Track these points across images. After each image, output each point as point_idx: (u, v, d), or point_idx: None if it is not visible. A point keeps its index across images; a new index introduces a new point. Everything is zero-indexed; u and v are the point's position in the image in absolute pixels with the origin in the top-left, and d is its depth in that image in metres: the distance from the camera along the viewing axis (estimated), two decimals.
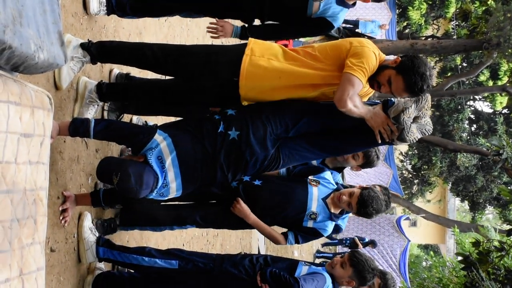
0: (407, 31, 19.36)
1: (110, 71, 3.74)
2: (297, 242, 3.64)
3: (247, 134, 3.02)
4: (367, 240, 13.60)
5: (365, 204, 3.50)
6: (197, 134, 3.00)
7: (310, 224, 3.59)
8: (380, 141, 3.11)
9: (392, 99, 3.15)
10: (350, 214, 3.80)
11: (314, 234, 3.63)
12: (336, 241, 14.24)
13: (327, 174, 3.75)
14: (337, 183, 3.78)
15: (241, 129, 3.02)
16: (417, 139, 3.07)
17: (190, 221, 3.57)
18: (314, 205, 3.56)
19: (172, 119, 3.83)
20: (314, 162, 3.94)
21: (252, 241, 8.33)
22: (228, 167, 3.05)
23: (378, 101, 3.26)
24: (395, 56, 3.11)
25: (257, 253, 8.40)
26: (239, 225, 3.68)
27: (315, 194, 3.59)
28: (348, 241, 13.32)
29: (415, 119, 3.05)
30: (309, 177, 3.68)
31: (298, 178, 3.71)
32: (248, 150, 3.03)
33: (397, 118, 3.02)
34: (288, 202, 3.56)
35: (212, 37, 3.60)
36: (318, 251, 14.82)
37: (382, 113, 3.08)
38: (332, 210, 3.62)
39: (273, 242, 3.69)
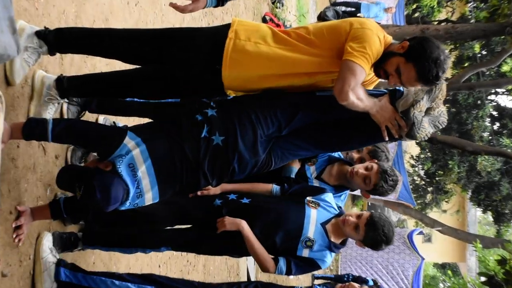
0: (417, 14, 19.49)
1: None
2: (289, 271, 3.53)
3: (234, 139, 3.03)
4: (371, 283, 13.34)
5: (376, 227, 3.49)
6: (175, 137, 3.00)
7: (305, 253, 3.52)
8: (387, 138, 3.13)
9: (401, 88, 3.17)
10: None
11: (310, 264, 3.56)
12: (332, 276, 14.16)
13: (329, 196, 3.73)
14: (340, 207, 3.78)
15: (227, 133, 3.03)
16: (429, 135, 3.09)
17: (165, 244, 3.58)
18: (311, 229, 3.52)
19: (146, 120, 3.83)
20: (313, 172, 3.96)
21: (239, 262, 8.32)
22: (213, 175, 3.07)
23: (384, 90, 3.27)
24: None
25: (245, 276, 8.39)
26: (220, 249, 3.68)
27: (313, 217, 3.56)
28: (350, 278, 13.13)
29: (427, 111, 3.07)
30: (307, 198, 3.65)
31: (294, 198, 3.69)
32: (236, 157, 3.04)
33: (406, 112, 3.04)
34: (280, 224, 3.52)
35: (178, 10, 3.18)
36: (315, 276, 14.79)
37: (390, 106, 3.10)
38: (332, 239, 3.58)
39: (260, 268, 3.62)
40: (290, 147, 3.20)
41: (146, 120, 3.91)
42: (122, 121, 4.19)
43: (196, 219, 3.62)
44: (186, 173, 3.01)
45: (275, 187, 3.74)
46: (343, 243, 3.68)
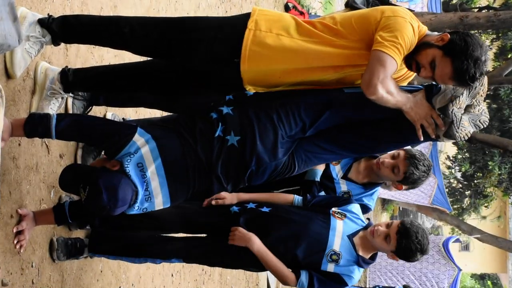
0: (454, 1, 19.35)
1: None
2: (311, 286, 3.50)
3: (252, 140, 3.01)
4: None
5: (408, 234, 3.44)
6: (188, 137, 2.99)
7: (330, 267, 3.48)
8: (422, 138, 3.09)
9: (438, 84, 3.13)
10: None
11: (336, 280, 3.52)
12: None
13: (355, 207, 3.70)
14: (368, 219, 3.76)
15: (244, 132, 3.02)
16: (469, 135, 3.04)
17: (176, 255, 3.58)
18: (337, 242, 3.49)
19: (157, 112, 3.83)
20: (339, 171, 3.93)
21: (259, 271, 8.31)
22: (227, 179, 3.06)
23: (420, 85, 3.23)
24: (440, 33, 3.08)
25: (266, 287, 8.37)
26: (235, 263, 3.66)
27: (339, 229, 3.53)
28: None
29: (467, 108, 3.02)
30: (333, 209, 3.63)
31: (318, 209, 3.67)
32: (254, 160, 3.03)
33: (444, 109, 3.00)
34: (303, 235, 3.49)
35: None
36: None
37: (426, 103, 3.05)
38: (360, 253, 3.55)
39: (280, 281, 3.62)
40: (315, 150, 3.17)
41: (156, 112, 3.92)
42: (131, 115, 4.19)
43: (209, 227, 3.61)
44: (198, 175, 3.00)
45: (296, 198, 3.72)
46: (373, 258, 3.64)
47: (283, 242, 3.50)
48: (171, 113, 3.62)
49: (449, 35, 3.00)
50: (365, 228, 3.61)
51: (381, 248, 3.57)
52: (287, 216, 3.56)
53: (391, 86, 2.95)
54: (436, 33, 3.10)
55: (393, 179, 3.87)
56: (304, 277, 3.47)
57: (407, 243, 3.45)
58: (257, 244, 3.45)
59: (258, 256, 3.47)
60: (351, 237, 3.53)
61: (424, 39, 3.04)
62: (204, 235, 3.67)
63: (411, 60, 3.04)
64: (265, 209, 3.58)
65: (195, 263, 3.78)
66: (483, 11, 18.24)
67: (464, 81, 2.95)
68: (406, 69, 3.15)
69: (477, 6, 19.29)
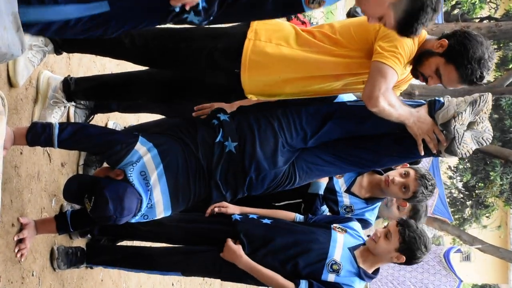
0: (456, 11, 19.35)
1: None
2: None
3: (251, 146, 3.02)
4: None
5: (411, 248, 3.42)
6: (190, 143, 3.01)
7: (331, 278, 3.45)
8: (423, 153, 3.09)
9: (441, 99, 3.13)
10: None
11: None
12: None
13: (356, 225, 3.72)
14: (368, 236, 3.72)
15: (241, 139, 3.02)
16: (471, 152, 3.04)
17: (175, 268, 3.58)
18: (337, 253, 3.47)
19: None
20: (343, 185, 3.93)
21: None
22: (226, 186, 3.06)
23: (423, 101, 3.24)
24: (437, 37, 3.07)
25: None
26: (233, 276, 3.63)
27: (340, 241, 3.52)
28: None
29: (470, 125, 3.02)
30: (334, 224, 3.63)
31: (319, 224, 3.67)
32: (254, 167, 3.03)
33: (446, 125, 3.00)
34: (304, 244, 3.48)
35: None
36: None
37: (428, 118, 3.06)
38: (361, 265, 3.52)
39: None
40: (316, 161, 3.18)
41: (157, 116, 3.91)
42: (131, 120, 4.19)
43: (209, 234, 3.58)
44: (199, 182, 3.01)
45: (298, 216, 3.72)
46: (376, 273, 3.60)
47: (283, 251, 3.48)
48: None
49: (447, 40, 2.99)
50: (365, 244, 3.59)
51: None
52: (287, 227, 3.57)
53: (392, 98, 2.95)
54: (434, 37, 3.10)
55: (401, 197, 3.87)
56: (304, 285, 3.44)
57: (413, 255, 3.44)
58: (243, 260, 3.42)
59: (247, 271, 3.45)
60: (352, 249, 3.52)
61: (424, 45, 3.04)
62: (203, 247, 3.64)
63: (416, 72, 3.05)
64: (266, 221, 3.58)
65: (193, 276, 3.76)
66: (485, 21, 18.28)
67: (473, 82, 2.96)
68: (406, 73, 3.15)
69: (479, 16, 19.29)
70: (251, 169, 3.03)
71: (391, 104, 2.94)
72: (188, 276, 3.73)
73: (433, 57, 2.99)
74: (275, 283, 3.47)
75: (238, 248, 3.43)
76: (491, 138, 3.11)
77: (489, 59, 2.92)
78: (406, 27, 2.54)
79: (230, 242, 3.45)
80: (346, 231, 3.59)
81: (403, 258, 3.46)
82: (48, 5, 2.39)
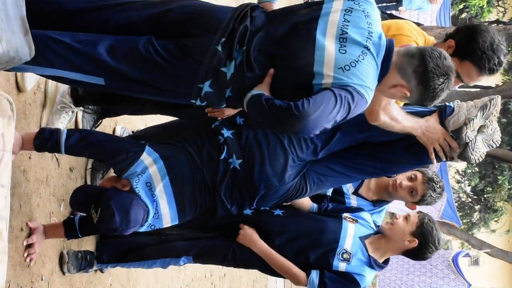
0: (464, 15, 19.32)
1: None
2: (322, 283, 3.47)
3: (261, 164, 3.01)
4: None
5: (426, 236, 3.46)
6: (196, 157, 3.01)
7: (342, 267, 3.47)
8: (435, 162, 3.08)
9: (451, 104, 3.11)
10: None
11: (347, 279, 3.49)
12: None
13: (366, 215, 3.75)
14: (378, 226, 3.76)
15: (252, 155, 3.02)
16: (483, 156, 3.02)
17: (186, 252, 3.55)
18: (348, 241, 3.49)
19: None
20: (350, 186, 3.93)
21: (268, 284, 8.28)
22: (232, 201, 3.07)
23: (433, 107, 3.21)
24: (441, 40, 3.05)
25: None
26: (247, 262, 3.63)
27: (351, 230, 3.54)
28: None
29: (480, 129, 3.01)
30: (345, 214, 3.65)
31: (330, 213, 3.70)
32: (264, 184, 3.03)
33: (458, 132, 2.98)
34: (315, 234, 3.51)
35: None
36: None
37: (438, 127, 3.04)
38: (372, 254, 3.54)
39: (291, 280, 3.62)
40: (327, 172, 3.18)
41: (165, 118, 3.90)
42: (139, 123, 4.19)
43: (221, 227, 3.58)
44: (204, 195, 3.02)
45: (313, 205, 3.72)
46: (386, 263, 3.62)
47: (295, 240, 3.50)
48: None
49: (453, 40, 2.98)
50: (376, 233, 3.62)
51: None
52: (299, 217, 3.59)
53: (394, 112, 2.93)
54: (439, 41, 3.08)
55: (409, 201, 3.85)
56: (314, 275, 3.46)
57: (425, 248, 3.48)
58: (259, 244, 3.46)
59: (262, 256, 3.48)
60: (362, 239, 3.54)
61: None
62: (215, 234, 3.62)
63: None
64: (277, 212, 3.58)
65: (205, 263, 3.74)
66: (493, 25, 18.23)
67: (493, 71, 2.96)
68: None
69: (487, 20, 19.25)
70: (260, 186, 3.03)
71: (392, 117, 2.93)
72: (199, 262, 3.70)
73: None
74: (288, 271, 3.50)
75: (254, 232, 3.46)
76: (500, 140, 3.10)
77: (500, 42, 2.93)
78: None
79: (246, 226, 3.47)
80: (357, 221, 3.60)
81: (416, 242, 3.48)
82: (43, 67, 2.51)
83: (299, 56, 2.46)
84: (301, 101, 2.37)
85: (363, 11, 2.50)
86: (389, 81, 2.56)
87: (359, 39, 2.44)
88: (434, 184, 3.74)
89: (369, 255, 3.52)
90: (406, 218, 3.52)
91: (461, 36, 2.95)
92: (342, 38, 2.44)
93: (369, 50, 2.44)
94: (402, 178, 3.80)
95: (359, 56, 2.42)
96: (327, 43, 2.43)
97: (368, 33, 2.46)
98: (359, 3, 2.51)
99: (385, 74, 2.53)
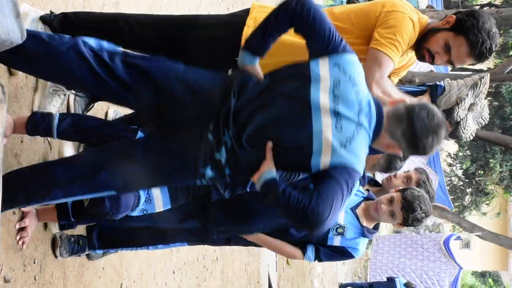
0: None
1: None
2: (318, 259, 3.55)
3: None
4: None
5: (413, 207, 3.46)
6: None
7: (337, 241, 3.52)
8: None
9: (442, 83, 3.12)
10: (385, 233, 3.77)
11: (341, 253, 3.58)
12: (361, 283, 13.83)
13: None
14: (368, 190, 3.79)
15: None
16: (474, 134, 3.05)
17: (179, 239, 3.57)
18: (340, 215, 3.51)
19: None
20: None
21: (260, 267, 8.32)
22: (225, 187, 3.11)
23: (423, 87, 3.23)
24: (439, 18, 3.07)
25: (267, 284, 8.38)
26: (241, 240, 3.66)
27: None
28: None
29: (470, 107, 3.04)
30: None
31: None
32: None
33: (449, 111, 3.00)
34: None
35: None
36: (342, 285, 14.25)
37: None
38: (365, 224, 3.60)
39: (287, 257, 3.67)
40: None
41: None
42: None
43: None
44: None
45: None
46: (376, 228, 3.68)
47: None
48: None
49: (454, 16, 2.99)
50: (366, 198, 3.66)
51: (387, 222, 3.65)
52: None
53: (387, 86, 2.93)
54: (436, 20, 3.09)
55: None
56: (310, 251, 3.52)
57: (413, 216, 3.48)
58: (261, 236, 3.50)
59: (256, 241, 3.53)
60: (354, 209, 3.58)
61: (428, 27, 3.04)
62: None
63: (422, 50, 3.04)
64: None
65: (198, 244, 3.79)
66: (485, 8, 18.23)
67: (482, 54, 2.96)
68: (407, 59, 3.14)
69: (479, 3, 19.26)
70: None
71: (384, 92, 2.92)
72: (193, 244, 3.74)
73: (440, 33, 3.00)
74: (282, 250, 3.57)
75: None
76: (488, 117, 3.14)
77: (495, 34, 2.95)
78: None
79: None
80: None
81: (404, 228, 3.50)
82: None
83: (296, 137, 2.49)
84: (315, 201, 2.35)
85: (349, 78, 2.49)
86: (381, 142, 2.58)
87: (351, 115, 2.45)
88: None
89: (361, 225, 3.57)
90: (391, 215, 3.55)
91: (463, 15, 2.97)
92: (336, 113, 2.45)
93: (362, 125, 2.46)
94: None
95: (353, 132, 2.45)
96: (324, 120, 2.45)
97: (358, 105, 2.47)
98: (344, 68, 2.50)
99: (376, 138, 2.56)
